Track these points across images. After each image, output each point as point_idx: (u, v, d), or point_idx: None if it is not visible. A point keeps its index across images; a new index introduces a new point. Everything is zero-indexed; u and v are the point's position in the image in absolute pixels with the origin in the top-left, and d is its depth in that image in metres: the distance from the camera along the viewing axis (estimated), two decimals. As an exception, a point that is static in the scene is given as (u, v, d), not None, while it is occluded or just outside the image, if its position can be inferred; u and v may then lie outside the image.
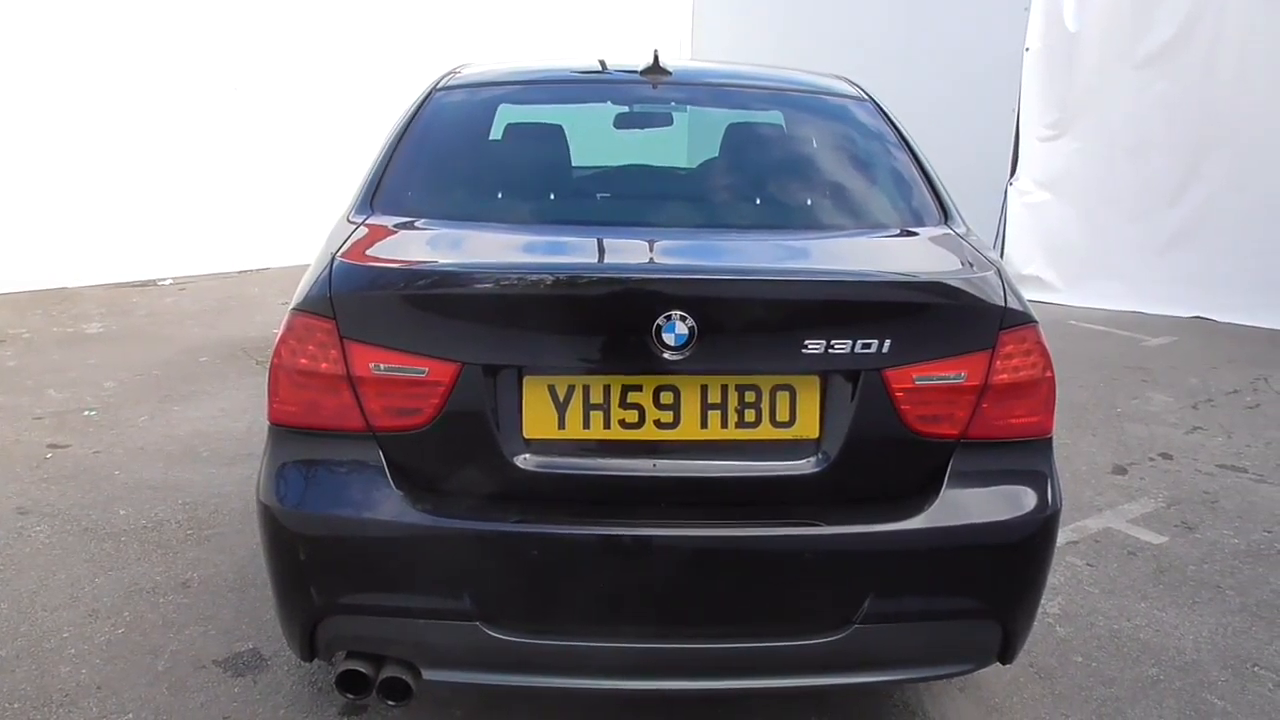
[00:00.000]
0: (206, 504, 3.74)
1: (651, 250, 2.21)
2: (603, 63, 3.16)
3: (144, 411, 4.80)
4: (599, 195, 2.81)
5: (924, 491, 2.06)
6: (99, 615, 2.94)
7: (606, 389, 2.00)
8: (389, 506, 1.99)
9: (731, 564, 2.02)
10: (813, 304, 2.01)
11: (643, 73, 2.95)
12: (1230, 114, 6.96)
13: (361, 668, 2.07)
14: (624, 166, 2.89)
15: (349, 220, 2.40)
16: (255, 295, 7.55)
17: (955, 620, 2.11)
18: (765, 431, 2.03)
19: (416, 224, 2.36)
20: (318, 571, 2.05)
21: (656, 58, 2.96)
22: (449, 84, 2.95)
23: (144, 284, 7.87)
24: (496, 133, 2.81)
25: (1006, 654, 2.16)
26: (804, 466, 2.03)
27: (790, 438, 2.04)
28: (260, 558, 3.08)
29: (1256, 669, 2.80)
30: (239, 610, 2.99)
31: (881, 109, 2.95)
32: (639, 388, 2.00)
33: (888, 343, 1.98)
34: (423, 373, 1.97)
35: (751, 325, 1.99)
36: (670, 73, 2.96)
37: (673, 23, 11.30)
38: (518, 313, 1.99)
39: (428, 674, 2.07)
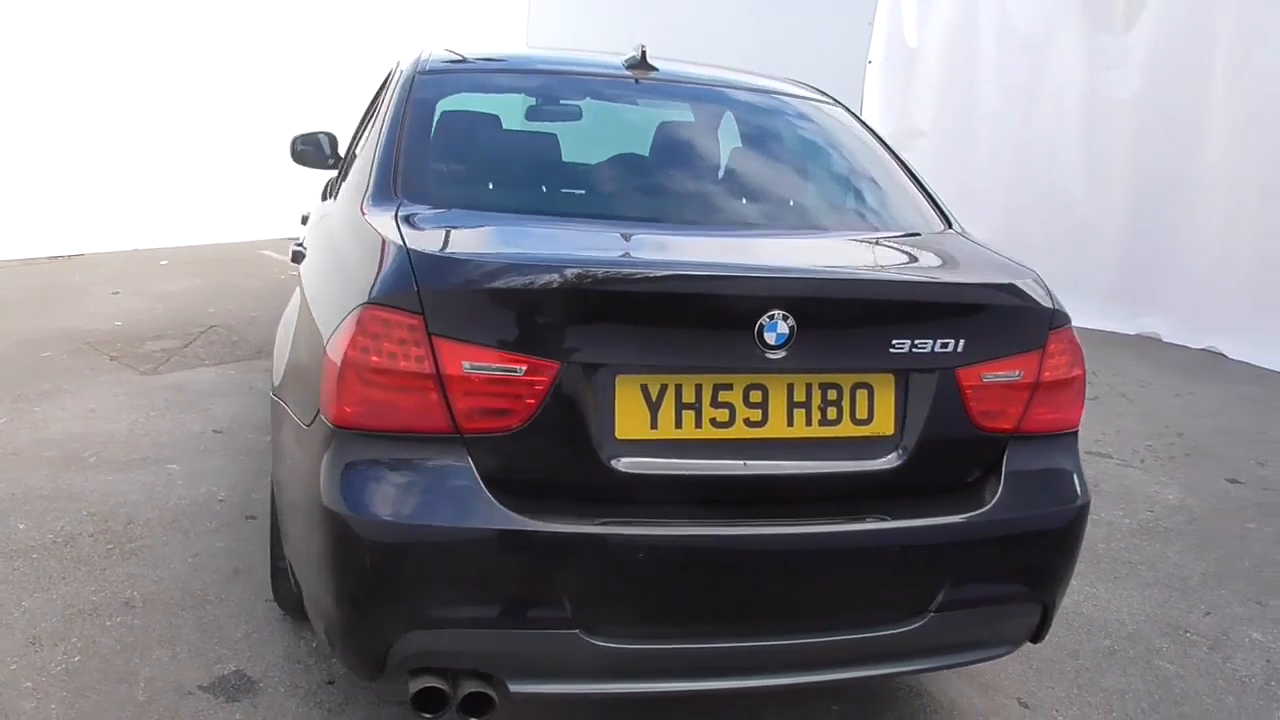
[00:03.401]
0: (115, 514, 3.38)
1: (742, 250, 2.22)
2: (583, 55, 3.13)
3: (-1, 413, 4.28)
4: (640, 190, 2.77)
5: (984, 484, 2.19)
6: (41, 642, 2.61)
7: (698, 388, 1.99)
8: (483, 512, 1.89)
9: (822, 559, 2.06)
10: (903, 305, 2.08)
11: (629, 67, 2.93)
12: (1049, 131, 7.65)
13: (440, 684, 1.97)
14: (647, 160, 2.87)
15: (372, 209, 2.25)
16: (79, 283, 6.82)
17: (1011, 604, 2.24)
18: (846, 429, 2.08)
19: (466, 215, 2.26)
20: (402, 583, 1.92)
21: (644, 54, 2.95)
22: (430, 68, 2.81)
23: (-62, 268, 6.97)
24: (505, 122, 2.71)
25: (1040, 633, 2.32)
26: (883, 462, 2.10)
27: (868, 434, 2.10)
28: (207, 570, 2.88)
29: (1188, 635, 3.13)
30: (202, 629, 2.74)
31: (859, 118, 3.08)
32: (729, 386, 2.01)
33: (962, 343, 2.08)
34: (519, 371, 1.89)
35: (845, 325, 2.04)
36: (656, 69, 2.96)
37: (508, 6, 11.16)
38: (622, 310, 1.95)
39: (516, 686, 1.98)
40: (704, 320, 1.98)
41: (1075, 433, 2.35)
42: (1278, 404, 5.96)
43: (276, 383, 2.47)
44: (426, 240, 2.02)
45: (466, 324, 1.88)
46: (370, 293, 1.92)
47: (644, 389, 1.97)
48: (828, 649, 2.09)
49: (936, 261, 2.45)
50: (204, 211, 8.14)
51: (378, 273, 1.96)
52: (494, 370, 1.88)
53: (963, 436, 2.15)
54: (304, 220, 4.04)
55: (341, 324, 1.95)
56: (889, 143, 3.00)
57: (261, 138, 8.47)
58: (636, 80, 2.93)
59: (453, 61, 2.92)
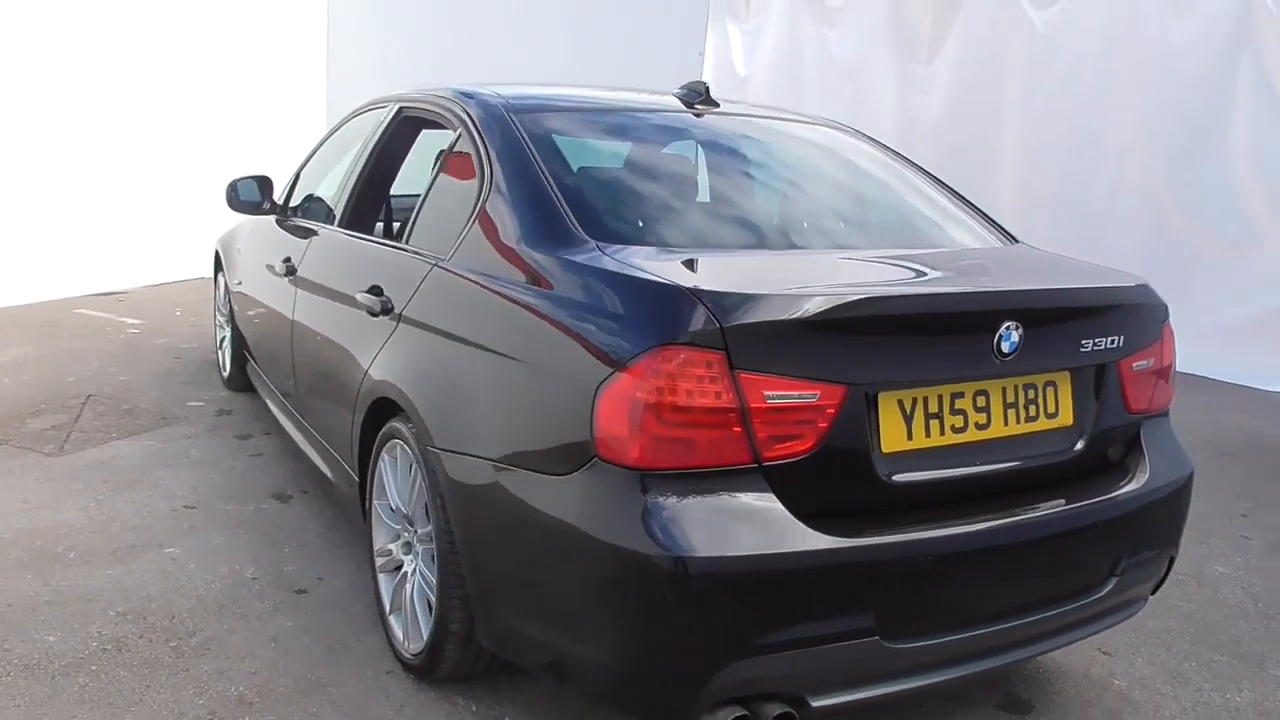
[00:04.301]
0: (149, 609, 3.02)
1: (961, 268, 2.43)
2: (636, 94, 3.22)
3: (-94, 517, 3.64)
4: (802, 217, 2.90)
5: (1128, 459, 2.52)
6: (182, 758, 2.33)
7: (939, 398, 2.18)
8: (796, 537, 1.98)
9: (1052, 543, 2.30)
10: (1096, 309, 2.39)
11: (693, 103, 3.07)
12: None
13: (746, 712, 2.01)
14: (779, 188, 3.00)
15: (564, 251, 2.26)
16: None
17: (1155, 562, 2.58)
18: (1042, 423, 2.34)
19: (686, 252, 2.33)
20: (725, 616, 1.95)
21: (708, 90, 3.09)
22: (518, 107, 2.80)
23: None
24: (622, 159, 2.76)
25: (1160, 585, 2.68)
26: (1071, 450, 2.37)
27: (1055, 427, 2.37)
28: (299, 652, 2.83)
29: (1177, 575, 3.61)
30: (346, 713, 2.55)
31: (890, 149, 3.41)
32: (962, 394, 2.21)
33: (1122, 338, 2.40)
34: (814, 398, 1.98)
35: (1054, 330, 2.29)
36: (719, 104, 3.11)
37: (307, 19, 10.71)
38: (889, 330, 2.10)
39: (818, 701, 2.06)
40: (958, 333, 2.17)
41: (1168, 410, 2.73)
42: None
43: (469, 444, 2.33)
44: (697, 278, 2.07)
45: (765, 356, 1.96)
46: (657, 333, 1.95)
47: (900, 404, 2.12)
48: (1057, 620, 2.34)
49: (1079, 269, 2.77)
50: None
51: (654, 313, 1.99)
52: (793, 399, 1.97)
53: (1120, 420, 2.47)
54: (290, 270, 3.75)
55: (624, 367, 1.95)
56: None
57: (59, 185, 7.67)
58: (698, 114, 3.06)
59: (523, 100, 2.91)
